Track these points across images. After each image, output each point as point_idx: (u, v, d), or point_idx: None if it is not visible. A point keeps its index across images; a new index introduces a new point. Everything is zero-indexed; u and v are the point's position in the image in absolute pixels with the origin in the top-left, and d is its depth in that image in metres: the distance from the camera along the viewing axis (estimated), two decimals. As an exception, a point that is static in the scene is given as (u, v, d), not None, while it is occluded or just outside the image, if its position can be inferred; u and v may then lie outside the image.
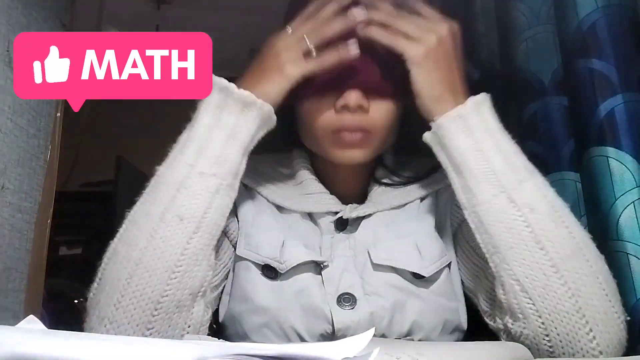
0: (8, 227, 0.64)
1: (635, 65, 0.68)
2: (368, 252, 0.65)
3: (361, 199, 0.71)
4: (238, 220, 0.69)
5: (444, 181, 0.70)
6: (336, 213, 0.69)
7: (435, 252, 0.65)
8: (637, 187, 0.64)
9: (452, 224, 0.69)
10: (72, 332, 0.41)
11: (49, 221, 0.72)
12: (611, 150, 0.65)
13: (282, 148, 0.78)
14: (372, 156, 0.69)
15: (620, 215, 0.63)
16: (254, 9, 1.66)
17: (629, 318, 0.55)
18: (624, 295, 0.58)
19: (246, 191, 0.72)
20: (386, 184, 0.72)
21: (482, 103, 0.60)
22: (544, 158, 0.78)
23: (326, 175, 0.73)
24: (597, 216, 0.67)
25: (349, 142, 0.65)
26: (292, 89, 0.62)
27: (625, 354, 0.54)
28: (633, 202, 0.63)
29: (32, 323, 0.43)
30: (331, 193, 0.71)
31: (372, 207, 0.69)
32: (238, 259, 0.66)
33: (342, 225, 0.69)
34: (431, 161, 0.73)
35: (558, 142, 0.76)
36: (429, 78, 0.60)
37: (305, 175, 0.72)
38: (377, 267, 0.64)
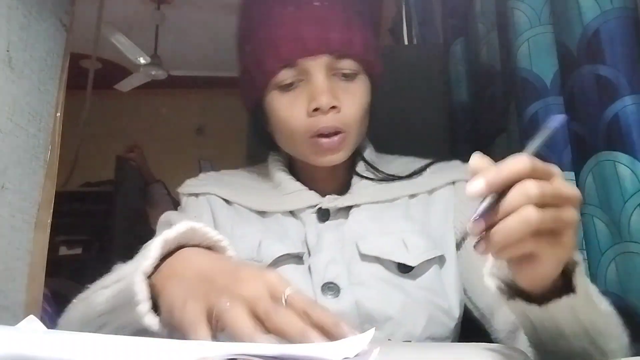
0: (8, 227, 0.64)
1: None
2: (356, 244, 0.68)
3: (343, 191, 0.74)
4: None
5: (437, 182, 0.74)
6: (316, 205, 0.72)
7: (422, 246, 0.67)
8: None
9: (456, 231, 0.71)
10: (72, 332, 0.41)
11: (49, 221, 0.71)
12: (619, 155, 0.64)
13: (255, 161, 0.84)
14: (349, 154, 0.72)
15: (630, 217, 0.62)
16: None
17: None
18: (637, 296, 0.58)
19: (227, 205, 0.75)
20: (368, 178, 0.75)
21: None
22: (544, 158, 0.77)
23: (306, 172, 0.76)
24: (605, 219, 0.67)
25: (327, 148, 0.68)
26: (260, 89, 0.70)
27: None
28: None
29: (32, 323, 0.43)
30: (312, 189, 0.74)
31: (352, 199, 0.72)
32: None
33: (324, 215, 0.72)
34: (412, 162, 0.78)
35: (559, 142, 0.75)
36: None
37: (282, 177, 0.76)
38: (364, 257, 0.67)
